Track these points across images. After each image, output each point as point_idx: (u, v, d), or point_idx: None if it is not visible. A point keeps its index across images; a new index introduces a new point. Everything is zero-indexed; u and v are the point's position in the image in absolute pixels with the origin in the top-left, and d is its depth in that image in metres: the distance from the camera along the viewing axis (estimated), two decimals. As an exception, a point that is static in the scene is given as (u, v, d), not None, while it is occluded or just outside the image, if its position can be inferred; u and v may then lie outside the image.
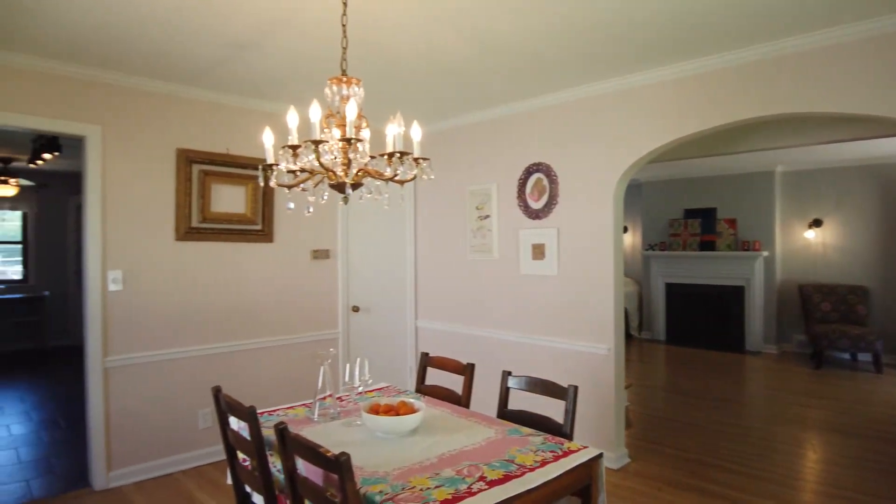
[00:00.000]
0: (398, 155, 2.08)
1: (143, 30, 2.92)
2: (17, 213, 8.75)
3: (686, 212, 8.96)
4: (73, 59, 3.36)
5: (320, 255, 4.70)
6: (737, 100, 3.31)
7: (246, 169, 4.23)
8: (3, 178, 7.28)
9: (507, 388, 2.76)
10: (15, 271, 8.84)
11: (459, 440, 2.26)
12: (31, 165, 6.34)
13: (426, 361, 3.14)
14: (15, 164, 7.40)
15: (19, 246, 8.84)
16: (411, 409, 2.33)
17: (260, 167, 2.18)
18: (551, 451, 2.15)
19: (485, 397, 4.04)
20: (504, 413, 2.72)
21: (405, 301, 5.34)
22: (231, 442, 2.27)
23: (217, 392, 2.26)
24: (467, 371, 2.89)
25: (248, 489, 2.36)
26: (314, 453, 1.66)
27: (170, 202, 3.91)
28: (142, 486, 3.72)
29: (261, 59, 3.37)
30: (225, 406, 2.22)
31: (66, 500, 3.51)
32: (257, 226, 4.32)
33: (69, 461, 4.13)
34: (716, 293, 8.56)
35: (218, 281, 4.13)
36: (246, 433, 2.27)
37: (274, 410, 2.61)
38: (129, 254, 3.75)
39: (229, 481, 2.41)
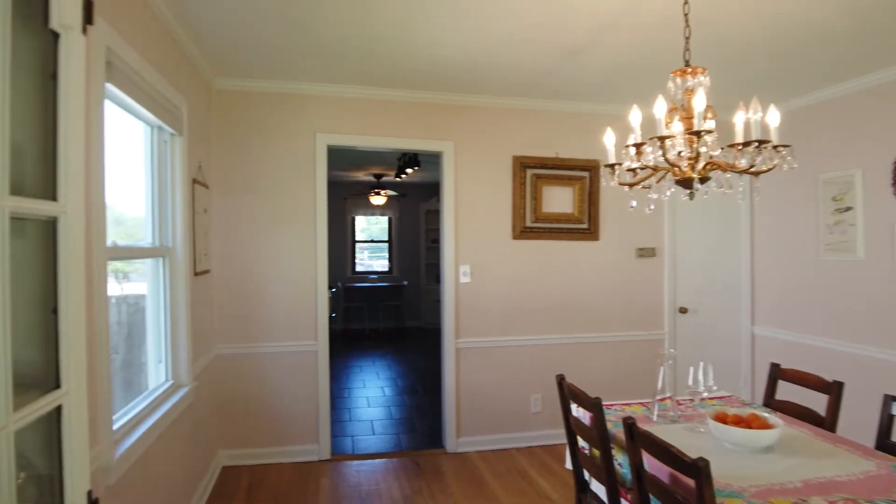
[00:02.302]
0: (755, 144, 1.91)
1: (495, 53, 3.31)
2: (385, 218, 10.81)
3: None
4: (435, 87, 3.99)
5: (646, 253, 4.61)
6: None
7: (573, 170, 4.42)
8: (377, 190, 9.08)
9: (891, 416, 2.28)
10: (382, 265, 10.94)
11: (828, 467, 1.96)
12: (397, 179, 7.77)
13: (777, 373, 2.80)
14: (384, 178, 9.15)
15: (386, 244, 10.91)
16: (765, 424, 2.12)
17: (602, 166, 2.25)
18: (967, 503, 1.71)
19: (845, 423, 3.41)
20: (885, 444, 2.26)
21: (739, 304, 4.86)
22: (573, 428, 2.40)
23: (561, 380, 2.42)
24: (833, 389, 2.48)
25: (586, 476, 2.47)
26: (668, 453, 1.64)
27: (507, 204, 4.33)
28: (483, 455, 4.22)
29: (590, 62, 3.47)
30: (568, 393, 2.36)
31: (427, 456, 4.20)
32: (584, 224, 4.47)
33: (426, 424, 4.94)
34: None
35: (549, 277, 4.42)
36: (586, 420, 2.37)
37: (610, 405, 2.67)
38: (475, 250, 4.29)
39: (568, 465, 2.56)
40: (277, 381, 3.98)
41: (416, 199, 10.61)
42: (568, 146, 4.43)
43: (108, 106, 2.12)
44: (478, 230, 4.30)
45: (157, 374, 2.91)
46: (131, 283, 2.83)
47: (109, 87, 2.08)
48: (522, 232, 4.34)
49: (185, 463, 3.06)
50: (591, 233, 4.48)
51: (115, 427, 2.11)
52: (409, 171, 6.80)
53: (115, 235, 2.45)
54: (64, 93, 1.24)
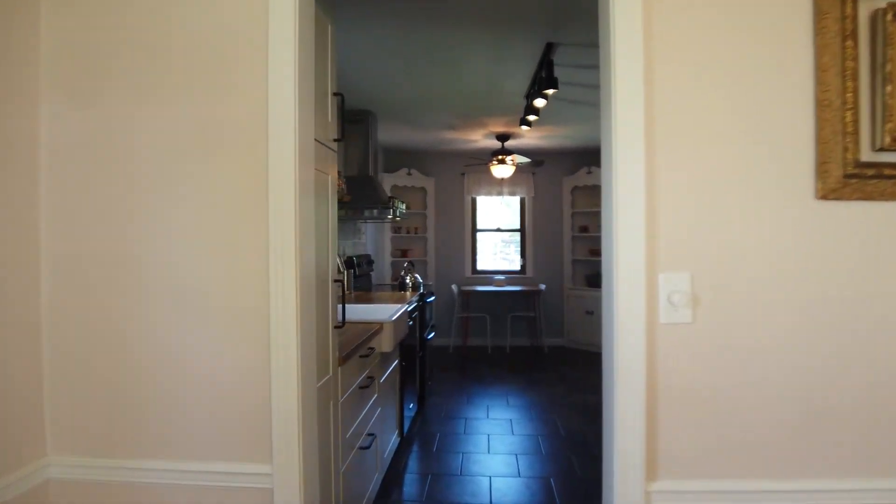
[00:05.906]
0: None
1: None
2: (516, 199, 8.20)
3: None
4: None
5: None
6: None
7: None
8: (500, 156, 6.52)
9: None
10: (513, 262, 8.36)
11: None
12: (523, 127, 5.15)
13: None
14: (510, 140, 6.63)
15: (517, 234, 8.30)
16: None
17: None
18: None
19: None
20: None
21: None
22: None
23: None
24: None
25: None
26: None
27: (798, 103, 1.53)
28: None
29: None
30: None
31: None
32: None
33: None
34: None
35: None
36: None
37: None
38: (703, 236, 1.54)
39: None
40: (182, 561, 1.61)
41: (558, 172, 7.87)
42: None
43: None
44: (710, 178, 1.55)
45: None
46: None
47: None
48: (849, 177, 1.50)
49: None
50: None
51: None
52: (538, 104, 4.06)
53: None
54: None
